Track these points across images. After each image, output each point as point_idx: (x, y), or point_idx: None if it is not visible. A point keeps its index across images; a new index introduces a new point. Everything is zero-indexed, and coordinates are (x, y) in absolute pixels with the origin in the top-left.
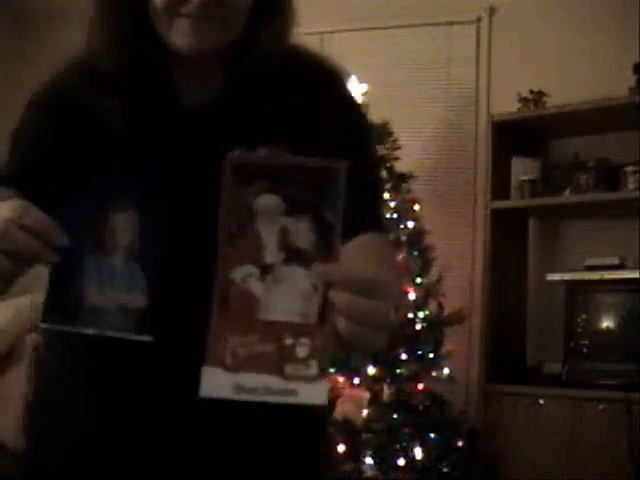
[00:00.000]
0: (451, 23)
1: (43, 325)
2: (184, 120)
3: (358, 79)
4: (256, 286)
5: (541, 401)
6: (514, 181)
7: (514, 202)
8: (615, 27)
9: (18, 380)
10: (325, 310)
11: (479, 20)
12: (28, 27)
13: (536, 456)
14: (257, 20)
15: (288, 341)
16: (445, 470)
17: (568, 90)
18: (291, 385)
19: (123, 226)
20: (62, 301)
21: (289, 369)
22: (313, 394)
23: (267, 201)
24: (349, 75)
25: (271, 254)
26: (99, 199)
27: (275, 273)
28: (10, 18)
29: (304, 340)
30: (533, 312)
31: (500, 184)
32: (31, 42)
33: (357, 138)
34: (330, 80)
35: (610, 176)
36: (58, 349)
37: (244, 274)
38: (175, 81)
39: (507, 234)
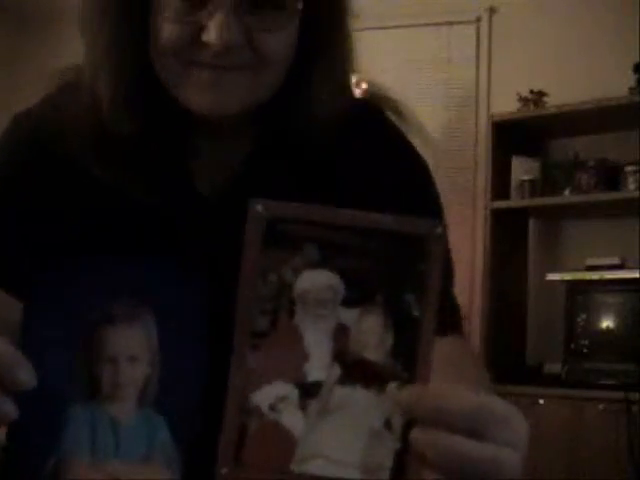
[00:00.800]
0: (451, 23)
1: None
2: (198, 214)
3: (358, 79)
4: (292, 417)
5: (541, 401)
6: (514, 181)
7: (514, 202)
8: (615, 27)
9: None
10: (405, 461)
11: (479, 20)
12: (28, 27)
13: (536, 456)
14: (303, 67)
15: None
16: None
17: (568, 90)
18: None
19: (131, 351)
20: None
21: None
22: None
23: (316, 280)
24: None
25: (319, 367)
26: (92, 302)
27: (324, 398)
28: (10, 18)
29: None
30: (533, 312)
31: (500, 184)
32: (31, 42)
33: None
34: (398, 146)
35: (610, 176)
36: None
37: (273, 397)
38: (188, 152)
39: (507, 234)
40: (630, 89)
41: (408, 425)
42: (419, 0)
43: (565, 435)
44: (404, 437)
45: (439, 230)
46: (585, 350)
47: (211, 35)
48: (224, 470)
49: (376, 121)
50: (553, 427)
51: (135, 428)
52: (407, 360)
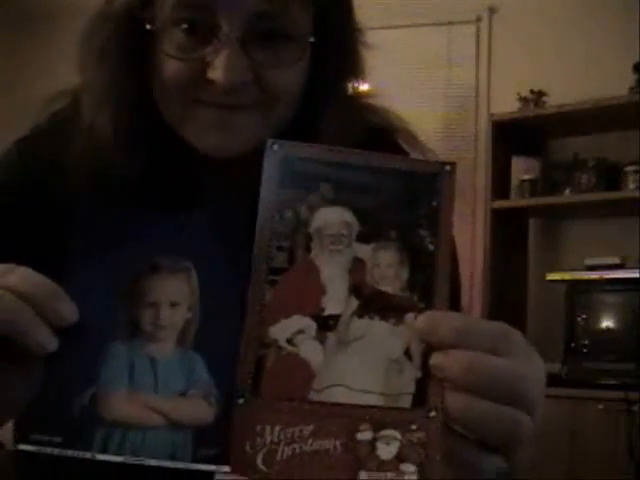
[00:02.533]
0: (451, 23)
1: (25, 447)
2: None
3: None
4: (311, 349)
5: None
6: (514, 181)
7: (514, 202)
8: (615, 27)
9: None
10: (426, 388)
11: (479, 20)
12: (29, 26)
13: (536, 456)
14: (315, 96)
15: (365, 435)
16: None
17: (568, 90)
18: None
19: (173, 297)
20: (65, 412)
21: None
22: None
23: (331, 216)
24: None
25: (336, 300)
26: (131, 250)
27: (342, 330)
28: (11, 17)
29: (392, 433)
30: (533, 312)
31: (500, 184)
32: (32, 42)
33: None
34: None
35: (610, 176)
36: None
37: (292, 330)
38: (197, 192)
39: (507, 234)
40: (630, 89)
41: (427, 354)
42: (419, 0)
43: (565, 435)
44: (424, 366)
45: (448, 168)
46: (585, 350)
47: (217, 73)
48: (241, 400)
49: (388, 149)
50: (553, 427)
51: (173, 366)
52: (423, 292)
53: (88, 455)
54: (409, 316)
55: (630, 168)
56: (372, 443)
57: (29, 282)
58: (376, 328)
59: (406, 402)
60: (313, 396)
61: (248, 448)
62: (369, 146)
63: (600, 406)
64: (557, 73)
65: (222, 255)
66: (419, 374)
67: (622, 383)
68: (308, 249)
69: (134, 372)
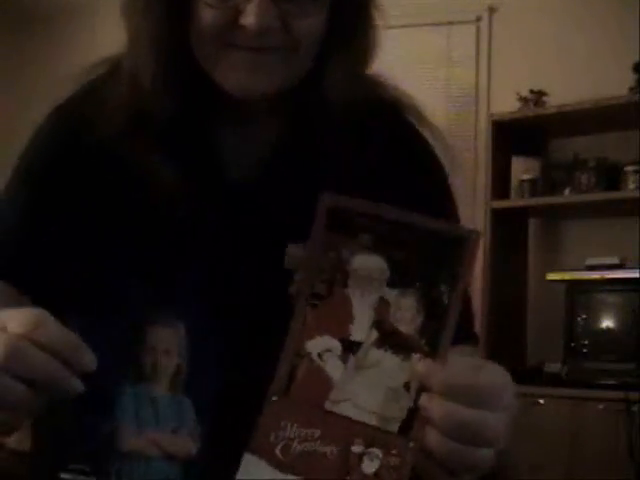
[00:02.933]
0: (451, 23)
1: (65, 476)
2: (230, 199)
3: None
4: (335, 366)
5: (541, 401)
6: (514, 181)
7: (514, 202)
8: (615, 27)
9: None
10: (414, 419)
11: (479, 20)
12: (28, 26)
13: (536, 456)
14: (331, 50)
15: (357, 448)
16: None
17: (568, 90)
18: None
19: (166, 346)
20: (88, 444)
21: None
22: None
23: (368, 262)
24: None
25: (361, 330)
26: (135, 307)
27: (361, 355)
28: (10, 17)
29: (377, 452)
30: (533, 312)
31: (500, 184)
32: (32, 41)
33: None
34: (415, 138)
35: (610, 176)
36: None
37: (322, 348)
38: (219, 138)
39: (507, 234)
40: (630, 89)
41: (422, 390)
42: (419, 0)
43: (565, 435)
44: (417, 399)
45: (473, 235)
46: (585, 350)
47: (248, 19)
48: (274, 398)
49: (398, 121)
50: (553, 427)
51: (168, 405)
52: (431, 338)
53: None
54: (415, 356)
55: (630, 168)
56: (361, 456)
57: (57, 337)
58: (387, 360)
59: (395, 426)
60: (328, 406)
61: (272, 438)
62: (379, 119)
63: (600, 406)
64: (557, 73)
65: (206, 312)
66: (412, 405)
67: (622, 383)
68: (345, 284)
69: (140, 410)
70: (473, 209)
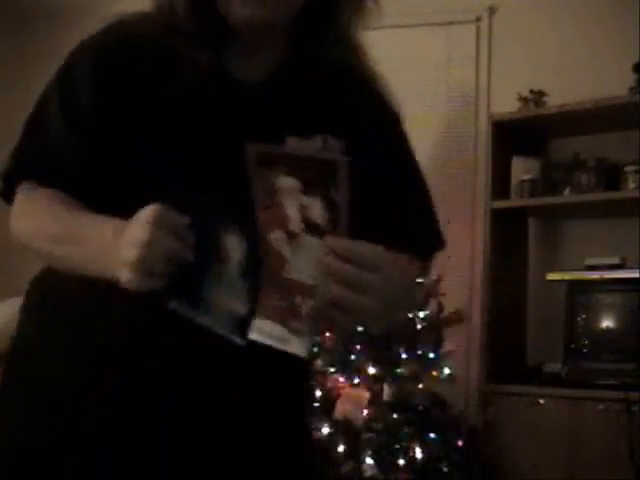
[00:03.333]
0: (451, 23)
1: (171, 305)
2: (240, 100)
3: None
4: (285, 249)
5: (541, 401)
6: (514, 181)
7: (514, 202)
8: (615, 27)
9: None
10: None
11: (479, 20)
12: (28, 26)
13: (536, 456)
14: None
15: (298, 299)
16: (445, 470)
17: (568, 90)
18: (289, 336)
19: (233, 244)
20: (188, 291)
21: (293, 323)
22: (301, 347)
23: (286, 182)
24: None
25: (294, 224)
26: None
27: (298, 240)
28: (10, 17)
29: (308, 301)
30: (533, 312)
31: (500, 184)
32: (31, 42)
33: (402, 153)
34: (383, 92)
35: (610, 176)
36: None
37: (277, 238)
38: (228, 58)
39: (507, 234)
40: (630, 89)
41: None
42: (419, 0)
43: (565, 435)
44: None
45: (342, 160)
46: (585, 350)
47: None
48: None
49: (369, 74)
50: (553, 427)
51: (235, 281)
52: (334, 224)
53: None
54: (328, 236)
55: (630, 168)
56: (300, 305)
57: (178, 223)
58: (313, 242)
59: (320, 283)
60: (284, 274)
61: (265, 300)
62: (357, 69)
63: (600, 406)
64: (557, 73)
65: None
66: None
67: (622, 383)
68: (278, 197)
69: (219, 280)
70: (473, 209)
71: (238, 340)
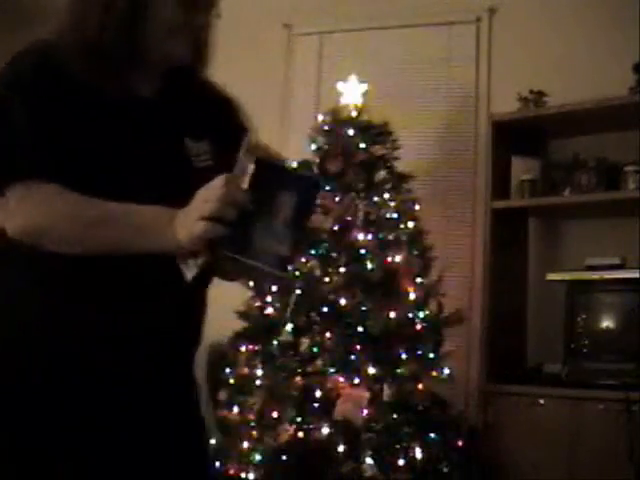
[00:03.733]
0: (451, 23)
1: (226, 252)
2: (144, 109)
3: (358, 79)
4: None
5: (541, 401)
6: (514, 181)
7: (514, 202)
8: (615, 27)
9: None
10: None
11: (479, 20)
12: (28, 27)
13: (536, 456)
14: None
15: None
16: (445, 470)
17: (568, 90)
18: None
19: (285, 203)
20: (240, 239)
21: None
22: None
23: (242, 163)
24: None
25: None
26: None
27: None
28: (10, 17)
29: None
30: (533, 312)
31: (500, 184)
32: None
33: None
34: (226, 97)
35: (610, 176)
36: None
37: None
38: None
39: (507, 234)
40: (630, 89)
41: None
42: (420, 0)
43: (565, 435)
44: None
45: (248, 134)
46: (585, 350)
47: None
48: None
49: (207, 80)
50: (553, 427)
51: (282, 230)
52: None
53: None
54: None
55: (630, 168)
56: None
57: (239, 189)
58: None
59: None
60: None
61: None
62: (209, 85)
63: (600, 406)
64: (557, 73)
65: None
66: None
67: (622, 383)
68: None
69: (269, 230)
70: (473, 209)
71: (283, 275)
